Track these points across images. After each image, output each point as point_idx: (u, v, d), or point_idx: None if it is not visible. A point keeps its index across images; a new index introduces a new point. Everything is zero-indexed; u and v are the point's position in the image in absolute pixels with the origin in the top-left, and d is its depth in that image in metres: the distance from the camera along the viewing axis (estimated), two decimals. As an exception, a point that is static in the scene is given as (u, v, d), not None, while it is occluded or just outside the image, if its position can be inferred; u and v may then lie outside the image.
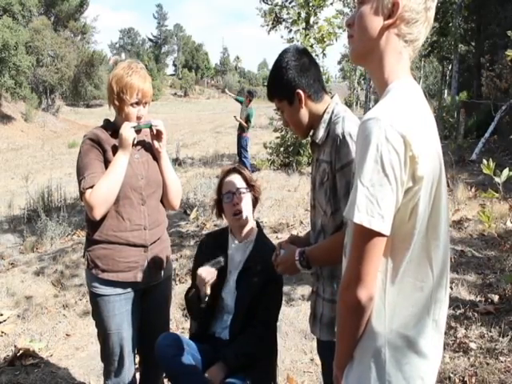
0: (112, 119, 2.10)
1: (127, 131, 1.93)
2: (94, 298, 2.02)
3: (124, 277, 1.99)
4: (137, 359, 2.25)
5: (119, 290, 2.00)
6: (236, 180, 2.09)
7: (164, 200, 2.14)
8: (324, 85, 1.69)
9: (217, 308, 2.07)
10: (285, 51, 1.66)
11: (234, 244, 2.11)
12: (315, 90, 1.62)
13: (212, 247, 2.14)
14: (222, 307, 2.07)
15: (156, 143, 2.05)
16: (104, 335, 2.05)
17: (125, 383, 2.12)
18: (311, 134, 1.67)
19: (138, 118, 1.99)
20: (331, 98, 1.67)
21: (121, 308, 2.01)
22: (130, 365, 2.12)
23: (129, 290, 2.03)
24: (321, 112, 1.62)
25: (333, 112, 1.60)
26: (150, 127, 2.03)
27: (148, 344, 2.14)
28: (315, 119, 1.63)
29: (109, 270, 1.98)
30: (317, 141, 1.61)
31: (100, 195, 1.87)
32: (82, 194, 1.91)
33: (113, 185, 1.90)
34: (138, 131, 2.00)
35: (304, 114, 1.63)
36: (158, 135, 2.04)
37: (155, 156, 2.09)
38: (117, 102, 1.97)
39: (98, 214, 1.90)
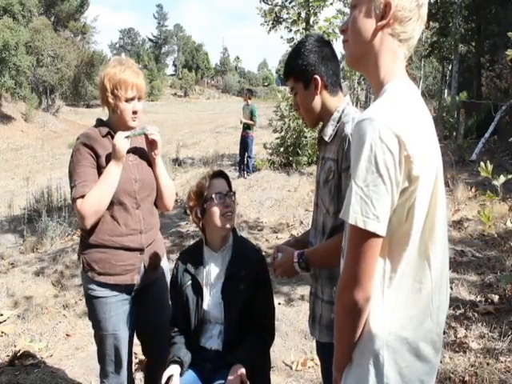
0: (105, 118, 2.07)
1: (120, 142, 1.90)
2: (91, 300, 2.01)
3: (121, 280, 1.99)
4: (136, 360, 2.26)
5: (115, 292, 2.00)
6: (224, 183, 2.02)
7: (158, 202, 2.14)
8: (341, 82, 1.66)
9: (202, 320, 1.96)
10: (309, 36, 1.65)
11: (211, 255, 1.99)
12: (332, 83, 1.60)
13: (185, 265, 2.01)
14: (207, 319, 1.97)
15: (151, 151, 2.04)
16: (101, 337, 2.04)
17: None
18: (319, 130, 1.66)
19: (134, 113, 1.97)
20: (344, 96, 1.65)
21: (117, 309, 2.01)
22: (127, 366, 2.12)
23: (125, 291, 2.03)
24: (333, 107, 1.60)
25: (343, 111, 1.59)
26: (145, 134, 2.00)
27: (154, 343, 2.14)
28: (326, 112, 1.61)
29: (105, 273, 1.97)
30: (325, 138, 1.59)
31: (90, 206, 1.86)
32: (73, 201, 1.91)
33: (104, 195, 1.88)
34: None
35: (317, 103, 1.60)
36: (152, 143, 2.02)
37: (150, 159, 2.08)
38: (111, 100, 1.93)
39: (88, 224, 1.89)
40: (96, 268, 1.96)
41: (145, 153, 2.07)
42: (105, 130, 1.99)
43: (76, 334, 3.40)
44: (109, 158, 1.92)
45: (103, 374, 2.11)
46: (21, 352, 3.03)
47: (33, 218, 5.77)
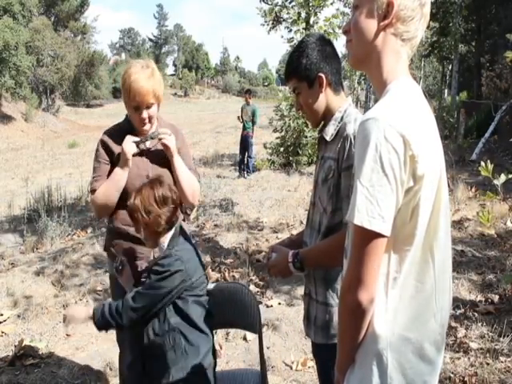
0: None
1: (127, 146, 1.95)
2: (110, 280, 2.22)
3: None
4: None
5: None
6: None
7: (182, 199, 2.14)
8: (342, 81, 1.66)
9: None
10: (311, 35, 1.64)
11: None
12: (335, 81, 1.60)
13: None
14: None
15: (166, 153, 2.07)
16: None
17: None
18: (320, 129, 1.65)
19: (142, 121, 1.98)
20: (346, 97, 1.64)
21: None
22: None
23: None
24: (336, 107, 1.59)
25: (345, 111, 1.58)
26: (158, 138, 1.99)
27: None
28: (329, 111, 1.60)
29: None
30: (326, 137, 1.59)
31: (98, 202, 2.03)
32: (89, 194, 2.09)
33: (109, 194, 2.01)
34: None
35: (321, 101, 1.59)
36: (165, 146, 2.02)
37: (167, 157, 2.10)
38: (124, 105, 2.02)
39: (99, 216, 2.13)
40: (113, 251, 2.12)
41: (162, 151, 2.08)
42: (126, 126, 2.07)
43: (76, 334, 3.40)
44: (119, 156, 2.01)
45: (121, 355, 2.24)
46: (21, 352, 3.03)
47: (33, 217, 5.76)
